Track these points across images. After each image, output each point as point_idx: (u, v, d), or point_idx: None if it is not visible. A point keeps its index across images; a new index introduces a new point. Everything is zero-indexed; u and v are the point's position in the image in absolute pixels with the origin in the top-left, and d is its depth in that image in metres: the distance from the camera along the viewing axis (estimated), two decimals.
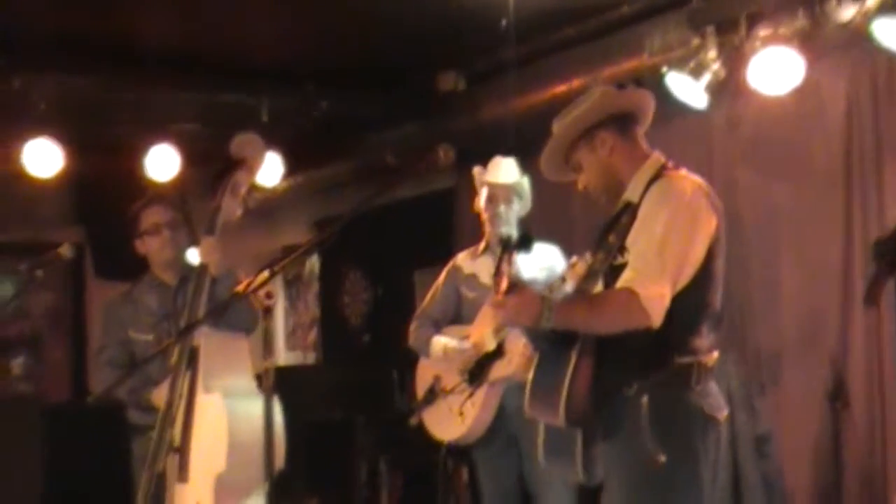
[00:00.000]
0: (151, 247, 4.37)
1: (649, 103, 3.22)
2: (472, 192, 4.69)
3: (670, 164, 3.14)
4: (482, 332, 4.41)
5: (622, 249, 2.98)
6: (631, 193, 3.08)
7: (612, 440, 3.00)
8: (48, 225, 7.54)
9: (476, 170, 4.61)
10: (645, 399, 2.93)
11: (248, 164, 4.11)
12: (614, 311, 2.92)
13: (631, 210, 3.04)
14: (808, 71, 4.34)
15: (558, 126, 3.19)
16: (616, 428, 2.98)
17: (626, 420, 2.95)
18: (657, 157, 3.15)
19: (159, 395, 3.95)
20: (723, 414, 3.04)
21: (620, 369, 2.96)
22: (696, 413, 2.97)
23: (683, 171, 3.12)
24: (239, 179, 4.08)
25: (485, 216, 4.59)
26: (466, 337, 4.52)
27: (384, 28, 5.38)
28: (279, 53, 5.78)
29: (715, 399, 3.02)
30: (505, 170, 4.56)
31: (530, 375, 3.06)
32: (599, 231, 3.13)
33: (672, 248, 2.92)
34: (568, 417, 2.92)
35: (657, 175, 3.08)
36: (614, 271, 2.98)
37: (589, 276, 3.02)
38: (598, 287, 3.01)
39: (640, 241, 2.95)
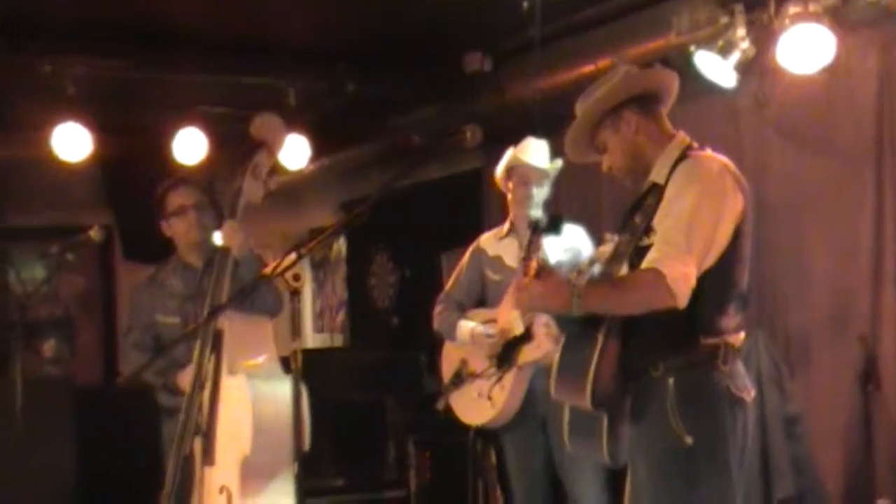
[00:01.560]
0: (177, 229, 4.37)
1: (673, 82, 3.19)
2: (494, 173, 4.65)
3: (695, 145, 3.11)
4: (509, 316, 4.39)
5: (648, 231, 2.97)
6: (656, 174, 3.06)
7: (639, 421, 2.99)
8: (78, 208, 7.60)
9: (510, 149, 4.57)
10: (672, 380, 2.92)
11: (269, 146, 4.10)
12: (640, 293, 2.90)
13: (657, 191, 3.02)
14: (838, 48, 4.28)
15: (582, 107, 3.17)
16: (643, 409, 2.98)
17: (653, 401, 2.94)
18: (682, 136, 3.13)
19: (185, 378, 3.98)
20: (750, 395, 3.02)
21: (647, 350, 2.95)
22: (723, 394, 2.95)
23: (709, 151, 3.09)
24: (260, 161, 4.06)
25: (512, 197, 4.55)
26: (493, 320, 4.50)
27: (410, 9, 5.36)
28: (305, 35, 5.78)
29: (742, 380, 3.01)
30: (539, 152, 4.52)
31: (556, 357, 3.05)
32: (625, 212, 3.11)
33: (699, 227, 2.90)
34: (594, 399, 2.91)
35: (683, 155, 3.05)
36: (640, 252, 2.96)
37: (615, 257, 3.00)
38: (624, 269, 2.99)
39: (667, 221, 2.93)
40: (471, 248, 4.75)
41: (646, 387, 2.96)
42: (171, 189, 4.40)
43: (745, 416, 3.00)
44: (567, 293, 2.88)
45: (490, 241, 4.68)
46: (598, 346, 2.92)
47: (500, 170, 4.59)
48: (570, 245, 4.36)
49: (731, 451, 2.95)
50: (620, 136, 3.11)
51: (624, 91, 3.11)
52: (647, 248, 2.95)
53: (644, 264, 2.91)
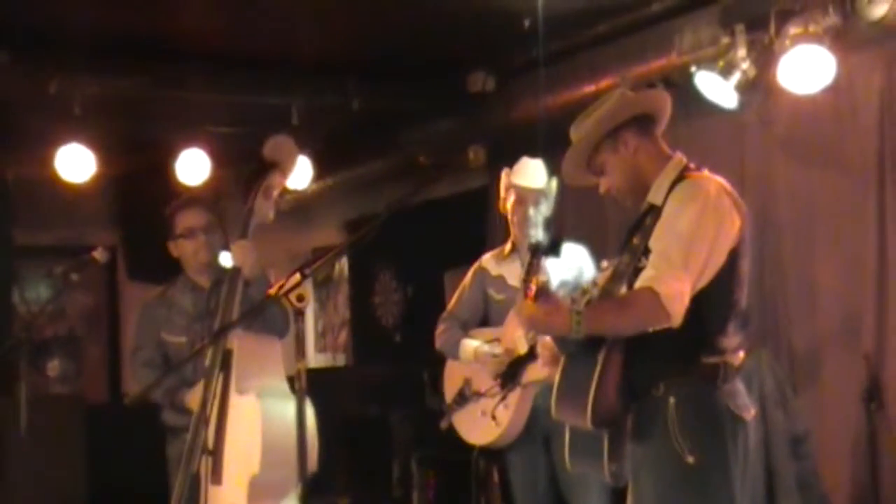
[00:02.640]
0: (186, 250, 4.37)
1: (667, 103, 3.21)
2: (497, 192, 4.67)
3: (692, 165, 3.13)
4: (513, 335, 4.39)
5: (647, 251, 2.97)
6: (654, 195, 3.08)
7: (642, 441, 2.99)
8: (84, 227, 7.63)
9: (504, 171, 4.59)
10: (673, 399, 2.93)
11: (282, 167, 4.11)
12: (636, 312, 2.91)
13: (655, 212, 3.03)
14: (840, 68, 4.29)
15: (578, 131, 3.18)
16: (645, 429, 2.98)
17: (655, 421, 2.95)
18: (679, 157, 3.14)
19: (194, 398, 3.97)
20: (750, 414, 3.03)
21: (648, 370, 2.95)
22: (723, 413, 2.97)
23: (706, 172, 3.11)
24: (272, 182, 4.08)
25: (512, 218, 4.57)
26: (496, 340, 4.50)
27: (415, 28, 5.39)
28: (310, 53, 5.80)
29: (742, 399, 3.02)
30: (533, 172, 4.52)
31: (557, 378, 3.05)
32: (625, 233, 3.13)
33: (696, 246, 2.92)
34: (595, 419, 2.92)
35: (680, 176, 3.07)
36: (639, 273, 2.97)
37: (614, 278, 3.01)
38: (623, 289, 3.00)
39: (663, 240, 2.95)
40: (473, 268, 4.75)
41: (647, 406, 2.96)
42: (180, 210, 4.40)
43: (745, 434, 3.00)
44: (567, 315, 2.89)
45: (492, 261, 4.69)
46: (599, 367, 2.92)
47: (501, 191, 4.61)
48: (572, 265, 4.37)
49: (733, 470, 2.96)
50: (619, 157, 3.13)
51: (623, 111, 3.13)
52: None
53: (639, 283, 2.92)
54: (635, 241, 3.01)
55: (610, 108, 3.13)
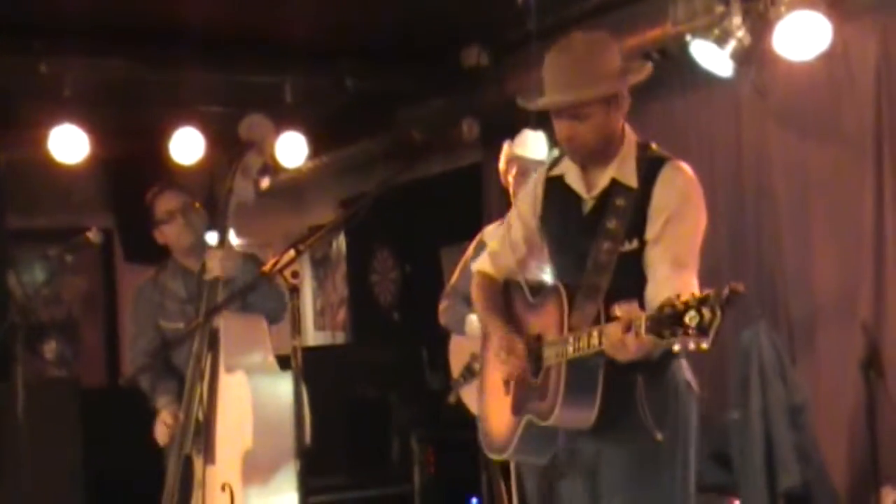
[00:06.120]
0: (169, 235, 4.38)
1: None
2: (496, 167, 4.64)
3: (649, 143, 3.03)
4: None
5: (631, 237, 2.90)
6: (620, 172, 2.97)
7: (609, 423, 2.91)
8: (79, 210, 7.61)
9: (507, 143, 4.56)
10: (640, 378, 2.90)
11: (258, 146, 4.14)
12: None
13: (628, 193, 2.93)
14: (835, 35, 4.26)
15: (596, 71, 2.93)
16: (613, 411, 2.90)
17: (625, 401, 2.91)
18: (630, 132, 3.04)
19: (161, 432, 4.07)
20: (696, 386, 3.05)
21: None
22: (684, 386, 2.99)
23: (664, 152, 3.02)
24: (249, 161, 4.11)
25: (514, 190, 4.54)
26: None
27: (409, 4, 5.35)
28: (304, 32, 5.77)
29: (689, 372, 3.02)
30: (534, 144, 4.50)
31: (562, 382, 2.91)
32: (586, 215, 3.00)
33: (696, 245, 2.93)
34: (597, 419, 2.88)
35: (648, 156, 2.98)
36: (624, 258, 2.90)
37: (596, 268, 2.90)
38: (607, 278, 2.88)
39: (676, 245, 2.88)
40: (475, 241, 4.73)
41: (617, 388, 2.89)
42: (157, 196, 4.41)
43: (697, 407, 3.03)
44: (652, 345, 2.67)
45: (494, 234, 4.67)
46: (604, 366, 2.84)
47: (501, 164, 4.59)
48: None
49: (694, 442, 2.98)
50: (607, 115, 2.96)
51: (640, 76, 3.00)
52: (632, 254, 2.90)
53: (667, 290, 2.72)
54: (610, 225, 2.91)
55: (638, 70, 2.98)
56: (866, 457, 4.58)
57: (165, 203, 4.36)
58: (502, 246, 3.28)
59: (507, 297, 3.28)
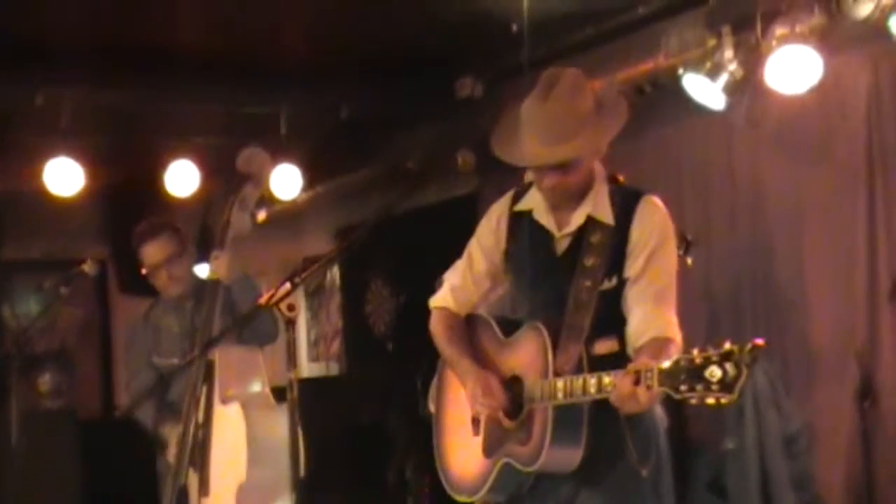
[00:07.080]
0: (155, 284, 4.40)
1: None
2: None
3: (619, 177, 3.04)
4: None
5: (611, 274, 2.88)
6: (595, 209, 2.94)
7: (592, 459, 2.88)
8: (74, 241, 7.60)
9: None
10: (623, 416, 2.82)
11: (255, 178, 4.16)
12: None
13: (605, 231, 2.91)
14: (827, 67, 4.30)
15: (590, 128, 2.90)
16: (596, 448, 2.87)
17: (607, 438, 2.87)
18: (598, 165, 3.02)
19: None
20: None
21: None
22: (659, 420, 2.99)
23: (642, 190, 3.02)
24: (246, 194, 4.13)
25: None
26: None
27: (403, 34, 5.39)
28: (299, 60, 5.80)
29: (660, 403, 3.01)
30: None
31: (549, 429, 2.86)
32: (562, 253, 2.97)
33: (673, 279, 2.93)
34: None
35: (621, 191, 2.96)
36: (604, 296, 2.88)
37: (577, 307, 2.86)
38: (589, 317, 2.85)
39: (658, 281, 2.88)
40: None
41: (601, 422, 2.86)
42: (141, 244, 4.40)
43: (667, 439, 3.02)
44: (657, 396, 2.68)
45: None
46: (587, 410, 2.83)
47: None
48: None
49: (667, 473, 2.98)
50: (592, 162, 2.97)
51: (621, 120, 2.98)
52: (610, 292, 2.88)
53: (655, 332, 2.78)
54: (588, 262, 2.88)
55: (623, 115, 2.96)
56: (861, 486, 4.58)
57: (150, 255, 4.36)
58: (464, 280, 3.22)
59: (472, 333, 3.20)
